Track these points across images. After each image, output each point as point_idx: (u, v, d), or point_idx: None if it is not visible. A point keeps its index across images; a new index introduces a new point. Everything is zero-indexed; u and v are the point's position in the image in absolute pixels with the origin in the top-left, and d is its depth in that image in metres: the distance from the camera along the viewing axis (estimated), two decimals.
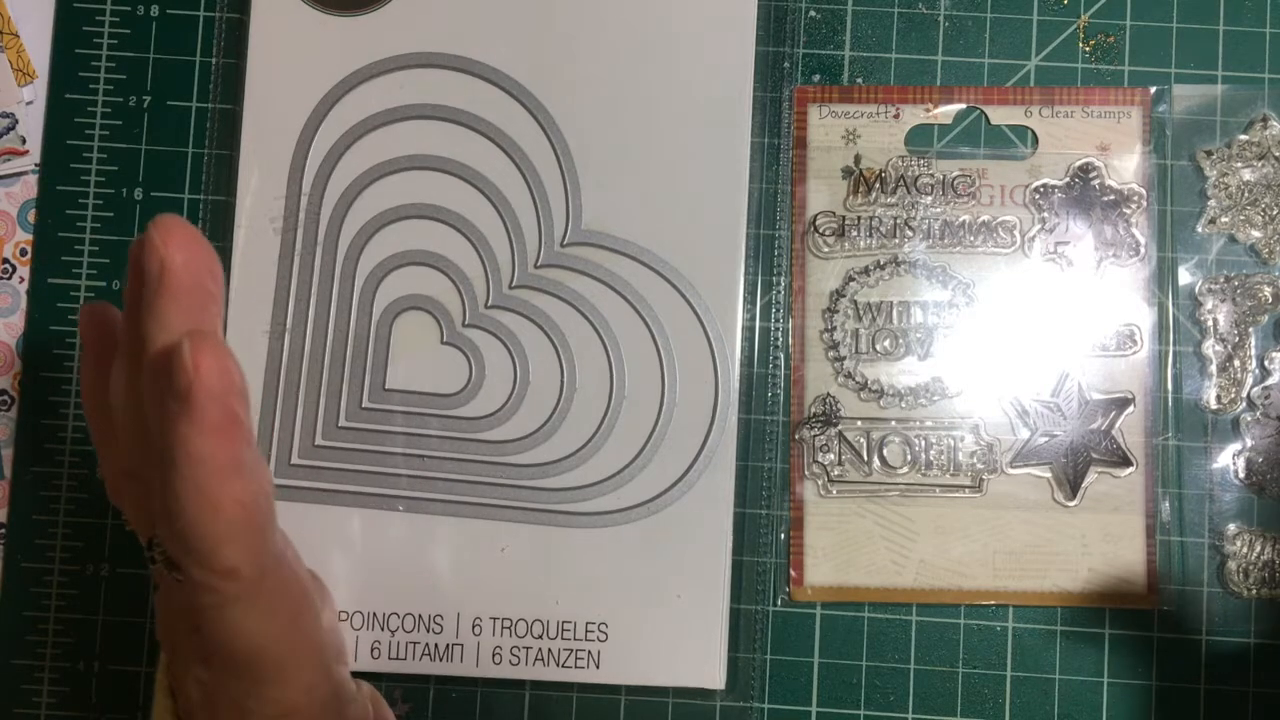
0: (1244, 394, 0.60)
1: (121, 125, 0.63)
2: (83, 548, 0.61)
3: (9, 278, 0.62)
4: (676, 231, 0.60)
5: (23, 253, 0.62)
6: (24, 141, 0.62)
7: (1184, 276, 0.61)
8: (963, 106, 0.61)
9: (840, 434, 0.61)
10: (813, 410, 0.61)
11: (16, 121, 0.62)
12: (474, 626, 0.59)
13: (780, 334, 0.60)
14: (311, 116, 0.60)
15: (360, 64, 0.61)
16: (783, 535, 0.60)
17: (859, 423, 0.61)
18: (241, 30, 0.61)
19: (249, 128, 0.61)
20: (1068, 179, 0.61)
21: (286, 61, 0.61)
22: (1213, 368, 0.60)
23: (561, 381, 0.60)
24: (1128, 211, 0.60)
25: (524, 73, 0.60)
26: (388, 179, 0.60)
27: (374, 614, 0.59)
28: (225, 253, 0.60)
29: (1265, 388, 0.60)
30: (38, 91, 0.63)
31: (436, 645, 0.59)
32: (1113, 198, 0.60)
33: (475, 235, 0.60)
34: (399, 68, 0.60)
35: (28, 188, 0.62)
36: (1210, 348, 0.60)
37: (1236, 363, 0.60)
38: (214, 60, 0.62)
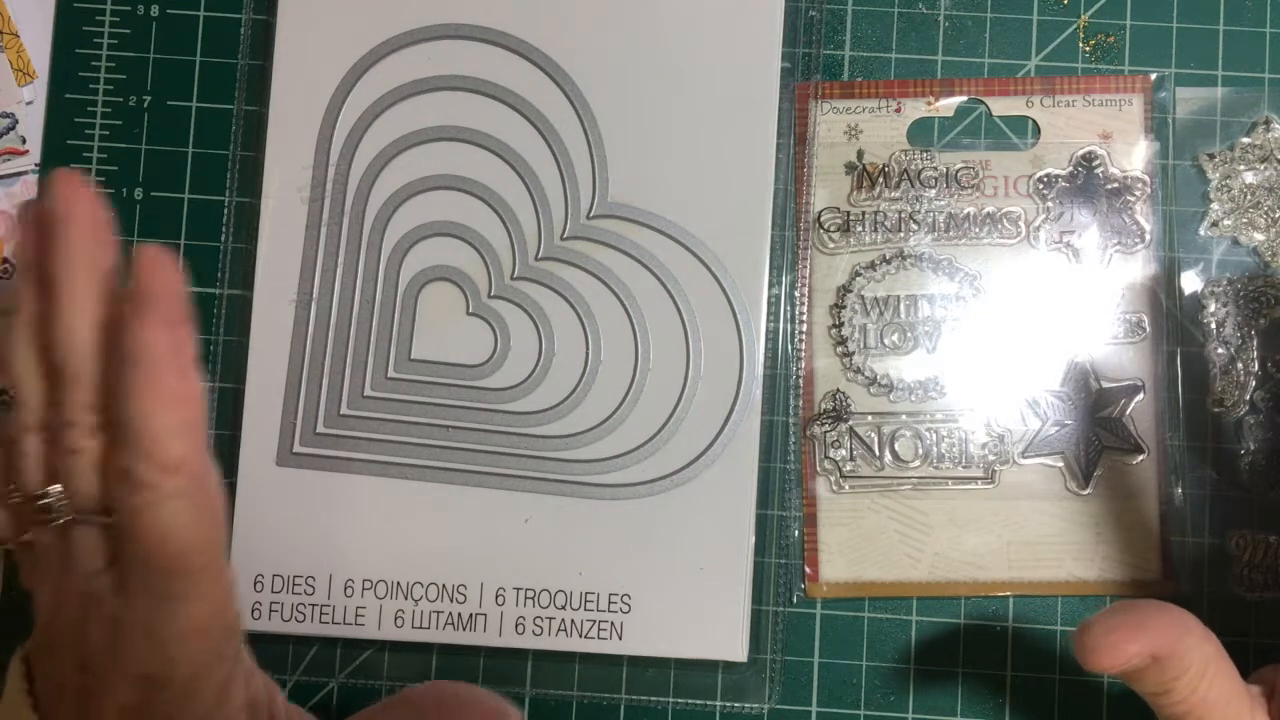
0: (1247, 397, 0.60)
1: (121, 125, 0.63)
2: None
3: (9, 278, 0.62)
4: (703, 205, 0.60)
5: None
6: (24, 141, 0.62)
7: (1186, 279, 0.61)
8: (964, 99, 0.62)
9: (851, 429, 0.60)
10: (823, 406, 0.60)
11: (16, 121, 0.62)
12: (497, 596, 0.59)
13: (789, 332, 0.60)
14: (339, 87, 0.61)
15: (389, 35, 0.61)
16: (796, 533, 0.60)
17: (869, 418, 0.60)
18: (270, 5, 0.61)
19: (277, 99, 0.61)
20: (1071, 168, 0.61)
21: (315, 32, 0.61)
22: (1215, 370, 0.60)
23: (586, 354, 0.60)
24: (1131, 199, 0.60)
25: (552, 45, 0.61)
26: (414, 150, 0.60)
27: (397, 583, 0.59)
28: (253, 222, 0.61)
29: (1268, 390, 0.60)
30: (38, 91, 0.62)
31: (460, 615, 0.59)
32: (1116, 186, 0.61)
33: (502, 207, 0.60)
34: (427, 39, 0.61)
35: (28, 188, 0.62)
36: (1213, 350, 0.60)
37: (1239, 365, 0.60)
38: (242, 32, 0.63)
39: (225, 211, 0.62)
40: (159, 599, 0.44)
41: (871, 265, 0.61)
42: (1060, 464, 0.60)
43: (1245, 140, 0.61)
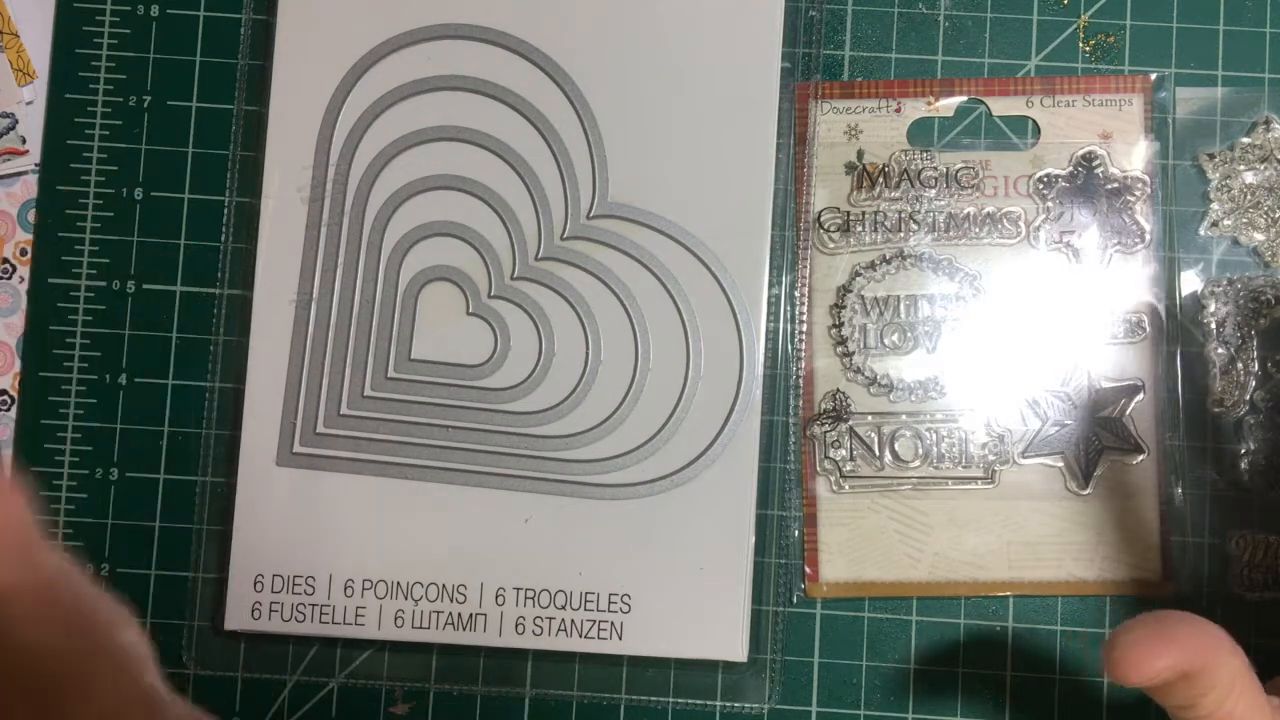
0: (1247, 396, 0.60)
1: (121, 125, 0.62)
2: (84, 548, 0.61)
3: (9, 278, 0.62)
4: (703, 205, 0.60)
5: (23, 253, 0.62)
6: (24, 141, 0.62)
7: (1186, 279, 0.61)
8: (964, 99, 0.62)
9: (851, 429, 0.60)
10: (823, 406, 0.60)
11: (16, 121, 0.62)
12: (497, 596, 0.59)
13: (789, 332, 0.60)
14: (339, 87, 0.60)
15: (389, 35, 0.61)
16: (796, 533, 0.60)
17: (869, 418, 0.60)
18: (270, 5, 0.61)
19: (277, 99, 0.61)
20: (1071, 168, 0.61)
21: (315, 32, 0.61)
22: (1215, 370, 0.60)
23: (586, 354, 0.59)
24: (1131, 199, 0.60)
25: (552, 45, 0.60)
26: (414, 150, 0.60)
27: (397, 583, 0.59)
28: (253, 222, 0.61)
29: (1268, 390, 0.60)
30: (38, 91, 0.62)
31: (459, 615, 0.59)
32: (1116, 186, 0.60)
33: (502, 207, 0.60)
34: (427, 39, 0.60)
35: (28, 188, 0.62)
36: (1213, 350, 0.60)
37: (1239, 365, 0.60)
38: (242, 32, 0.63)
39: (225, 211, 0.62)
40: (49, 707, 0.42)
41: (871, 265, 0.61)
42: (1060, 464, 0.60)
43: (1245, 140, 0.61)
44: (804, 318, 0.60)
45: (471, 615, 0.59)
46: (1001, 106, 0.61)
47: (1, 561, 0.41)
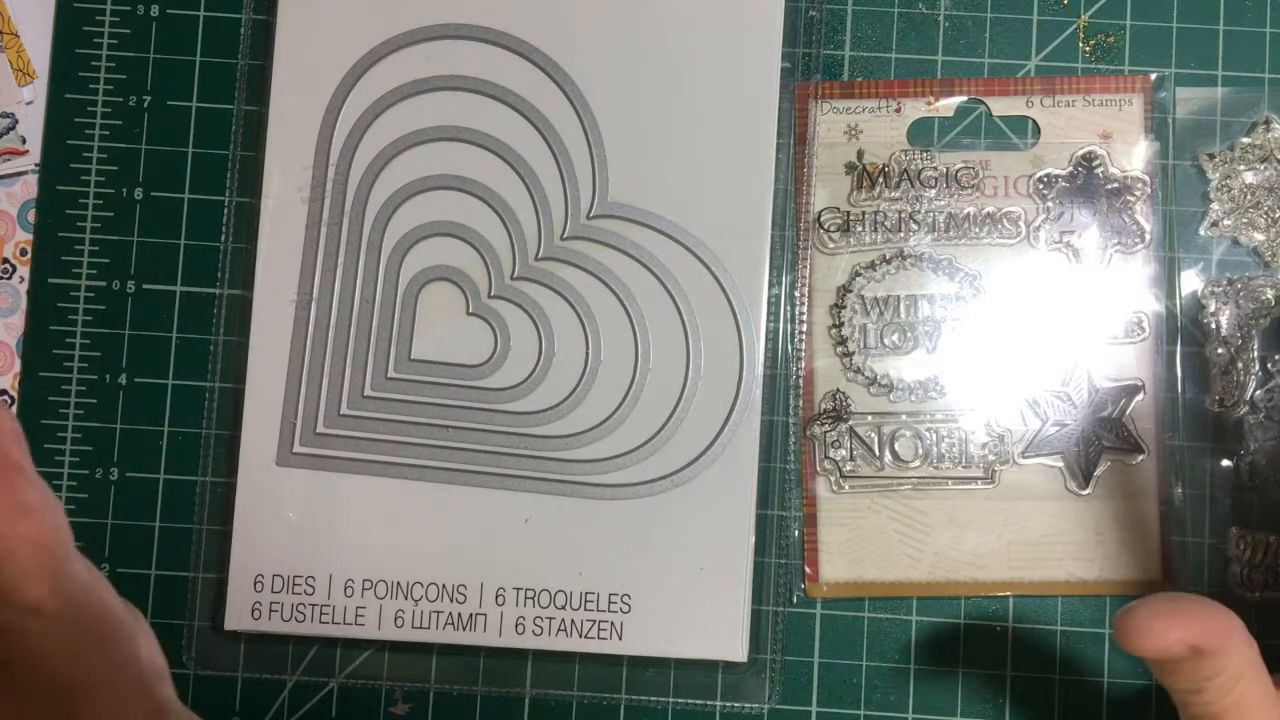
0: (1247, 397, 0.60)
1: (121, 125, 0.62)
2: (84, 548, 0.59)
3: (9, 278, 0.62)
4: (703, 205, 0.60)
5: (23, 253, 0.62)
6: (24, 141, 0.62)
7: (1186, 279, 0.61)
8: (964, 99, 0.62)
9: (851, 429, 0.60)
10: (823, 406, 0.60)
11: (16, 121, 0.62)
12: (497, 596, 0.59)
13: (789, 332, 0.60)
14: (339, 87, 0.60)
15: (389, 35, 0.61)
16: (796, 533, 0.60)
17: (869, 418, 0.60)
18: (270, 5, 0.61)
19: (277, 99, 0.61)
20: (1071, 168, 0.61)
21: (315, 32, 0.61)
22: (1215, 370, 0.60)
23: (586, 354, 0.59)
24: (1131, 199, 0.60)
25: (552, 45, 0.60)
26: (414, 150, 0.60)
27: (397, 583, 0.59)
28: (253, 222, 0.61)
29: (1268, 390, 0.60)
30: (38, 91, 0.62)
31: (459, 615, 0.59)
32: (1116, 186, 0.60)
33: (502, 207, 0.60)
34: (427, 39, 0.60)
35: (28, 188, 0.62)
36: (1213, 350, 0.60)
37: (1239, 365, 0.60)
38: (242, 32, 0.62)
39: (225, 211, 0.62)
40: (59, 714, 0.43)
41: (871, 265, 0.61)
42: (1060, 464, 0.60)
43: (1245, 140, 0.61)
44: (804, 318, 0.60)
45: (471, 615, 0.59)
46: (1001, 106, 0.61)
47: (33, 577, 0.43)
